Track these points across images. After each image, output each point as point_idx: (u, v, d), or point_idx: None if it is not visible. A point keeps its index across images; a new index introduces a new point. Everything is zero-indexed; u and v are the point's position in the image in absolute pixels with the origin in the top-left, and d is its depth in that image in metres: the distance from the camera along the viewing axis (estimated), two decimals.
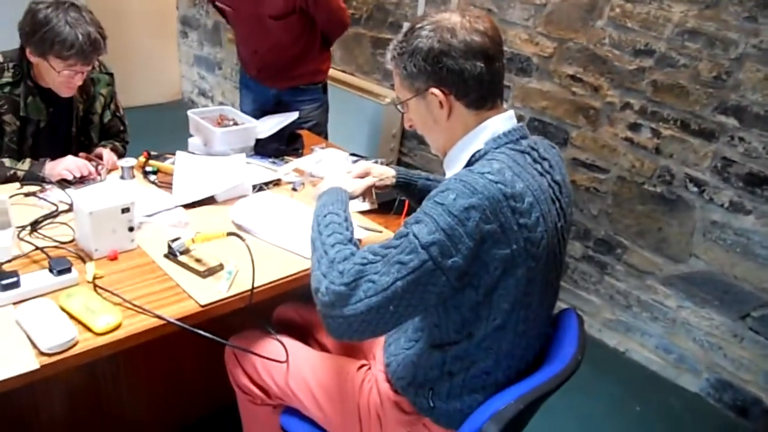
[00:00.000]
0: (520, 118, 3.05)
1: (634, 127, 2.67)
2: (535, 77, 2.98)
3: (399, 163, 3.67)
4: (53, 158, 2.05)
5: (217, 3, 2.74)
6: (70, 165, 1.99)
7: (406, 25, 1.34)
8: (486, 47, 1.27)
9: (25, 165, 2.02)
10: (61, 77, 1.97)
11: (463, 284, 1.19)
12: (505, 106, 1.38)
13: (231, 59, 5.00)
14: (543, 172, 1.31)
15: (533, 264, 1.22)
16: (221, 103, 5.25)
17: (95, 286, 1.50)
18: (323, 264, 1.24)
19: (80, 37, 1.89)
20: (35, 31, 1.90)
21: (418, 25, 1.30)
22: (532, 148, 1.33)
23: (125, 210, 1.61)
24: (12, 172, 2.00)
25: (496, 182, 1.18)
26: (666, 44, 2.49)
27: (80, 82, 2.04)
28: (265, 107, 2.89)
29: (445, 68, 1.27)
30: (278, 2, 2.55)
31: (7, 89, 2.03)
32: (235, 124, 2.30)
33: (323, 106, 3.01)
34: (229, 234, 1.56)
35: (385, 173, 1.73)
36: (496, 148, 1.30)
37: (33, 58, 1.97)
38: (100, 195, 1.63)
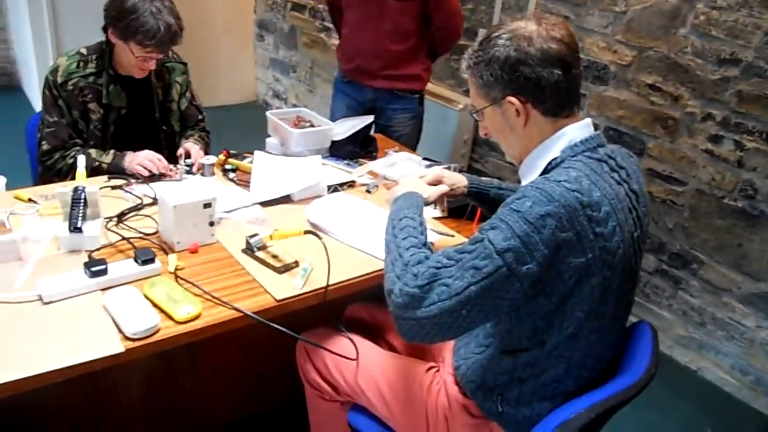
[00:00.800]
0: (595, 127, 3.01)
1: (716, 138, 2.59)
2: (612, 85, 2.93)
3: (470, 169, 3.66)
4: (137, 145, 2.17)
5: None
6: (144, 161, 2.07)
7: (481, 34, 1.36)
8: (563, 54, 1.26)
9: (108, 157, 2.12)
10: (137, 61, 2.09)
11: (536, 291, 1.19)
12: (581, 114, 1.38)
13: (305, 63, 5.10)
14: (620, 181, 1.30)
15: (608, 273, 1.21)
16: (294, 105, 5.36)
17: (177, 276, 1.56)
18: (397, 266, 1.26)
19: (162, 28, 2.01)
20: (121, 17, 2.02)
21: (495, 34, 1.31)
22: (609, 157, 1.31)
23: (207, 205, 1.67)
24: (96, 163, 2.11)
25: (573, 190, 1.17)
26: (754, 53, 2.41)
27: (153, 66, 2.15)
28: (358, 113, 2.87)
29: (522, 76, 1.27)
30: None
31: (91, 79, 2.16)
32: (312, 126, 2.35)
33: (417, 117, 3.00)
34: (306, 232, 1.60)
35: (458, 182, 1.75)
36: (573, 156, 1.29)
37: (114, 40, 2.09)
38: (183, 190, 1.70)
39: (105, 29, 2.11)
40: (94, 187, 1.72)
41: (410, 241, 1.31)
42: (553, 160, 1.32)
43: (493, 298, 1.17)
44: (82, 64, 2.16)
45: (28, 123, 2.50)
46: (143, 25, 1.99)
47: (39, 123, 2.23)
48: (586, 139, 1.31)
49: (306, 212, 1.90)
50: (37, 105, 5.29)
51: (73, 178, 2.12)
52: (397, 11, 2.69)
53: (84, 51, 2.19)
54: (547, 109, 1.31)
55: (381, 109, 2.91)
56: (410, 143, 2.87)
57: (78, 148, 2.17)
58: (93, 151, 2.15)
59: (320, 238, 1.56)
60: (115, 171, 2.09)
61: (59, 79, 2.13)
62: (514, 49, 1.26)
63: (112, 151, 2.15)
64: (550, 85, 1.27)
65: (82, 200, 1.67)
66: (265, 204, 1.96)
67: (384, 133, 2.83)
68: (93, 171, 2.09)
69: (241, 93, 5.76)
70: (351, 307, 1.93)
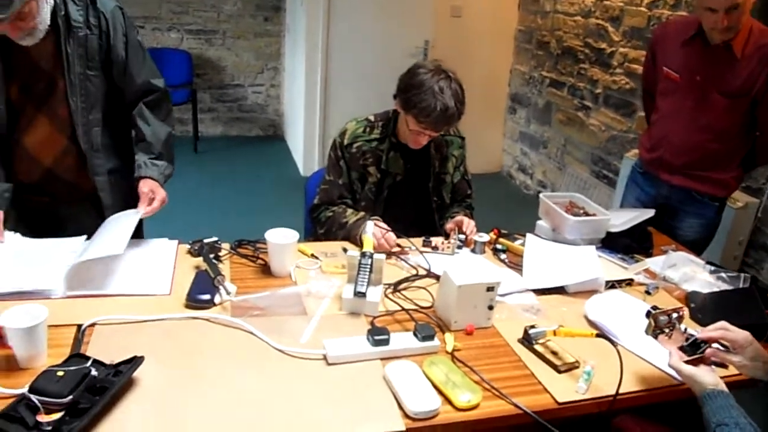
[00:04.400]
0: None
1: None
2: None
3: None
4: (407, 211, 2.24)
5: (665, 68, 2.60)
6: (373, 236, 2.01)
7: None
8: None
9: (356, 216, 2.19)
10: (411, 133, 2.16)
11: None
12: None
13: (558, 140, 5.03)
14: None
15: None
16: (540, 182, 5.29)
17: (454, 357, 1.53)
18: None
19: (438, 108, 2.05)
20: (406, 89, 2.10)
21: None
22: None
23: (490, 288, 1.64)
24: (344, 220, 2.18)
25: None
26: None
27: (425, 141, 2.20)
28: (647, 208, 2.62)
29: None
30: (738, 79, 2.38)
31: (374, 144, 2.27)
32: (585, 213, 2.26)
33: (709, 227, 2.70)
34: (598, 336, 1.50)
35: (739, 340, 1.45)
36: None
37: (398, 108, 2.18)
38: (467, 269, 1.68)
39: (395, 97, 2.21)
40: (382, 255, 1.77)
41: None
42: None
43: None
44: (368, 129, 2.29)
45: (308, 181, 2.68)
46: (421, 102, 2.05)
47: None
48: None
49: (585, 308, 1.79)
50: (297, 156, 5.79)
51: (326, 231, 2.25)
52: (722, 107, 2.43)
53: (372, 118, 2.32)
54: None
55: (673, 209, 2.67)
56: (693, 251, 2.45)
57: (343, 206, 2.27)
58: (349, 211, 2.24)
59: (615, 345, 1.45)
60: (347, 232, 2.15)
61: (345, 141, 2.27)
62: None
63: (362, 213, 2.21)
64: None
65: (369, 266, 1.72)
66: (537, 291, 1.89)
67: (669, 234, 2.54)
68: (339, 227, 2.19)
69: (485, 163, 5.81)
70: (621, 418, 1.77)
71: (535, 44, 5.28)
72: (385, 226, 2.07)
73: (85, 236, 2.01)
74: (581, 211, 2.27)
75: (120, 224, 1.95)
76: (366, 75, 5.30)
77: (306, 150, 5.56)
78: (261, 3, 6.33)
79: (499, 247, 2.14)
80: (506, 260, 2.08)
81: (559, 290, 1.91)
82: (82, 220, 2.08)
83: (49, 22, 1.85)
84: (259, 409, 1.34)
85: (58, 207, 2.12)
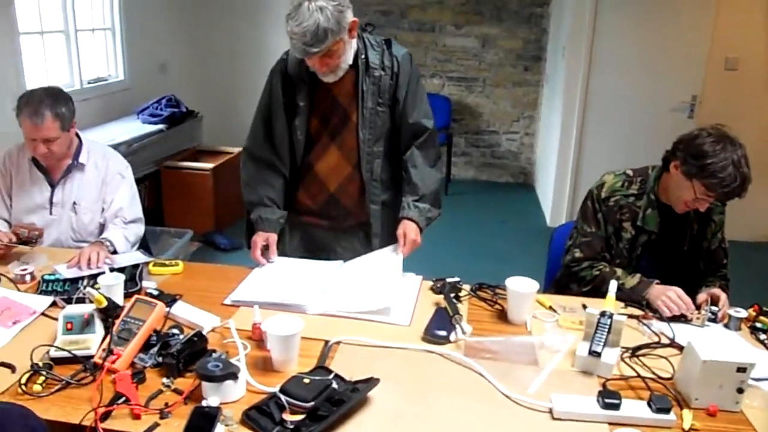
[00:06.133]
0: None
1: None
2: None
3: None
4: (659, 272, 2.12)
5: None
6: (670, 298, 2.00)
7: None
8: None
9: (634, 280, 2.11)
10: (693, 200, 2.05)
11: None
12: None
13: None
14: None
15: None
16: None
17: None
18: None
19: (738, 180, 1.95)
20: (698, 157, 1.99)
21: None
22: None
23: (741, 369, 1.51)
24: (621, 282, 2.08)
25: None
26: None
27: (704, 209, 2.09)
28: None
29: None
30: None
31: (631, 199, 2.21)
32: None
33: None
34: None
35: None
36: None
37: (674, 172, 2.07)
38: (716, 343, 1.58)
39: (667, 159, 2.13)
40: (623, 316, 1.71)
41: None
42: None
43: None
44: (626, 183, 2.23)
45: (555, 232, 2.67)
46: (720, 171, 1.94)
47: (572, 230, 2.36)
48: None
49: None
50: (545, 206, 5.74)
51: (593, 289, 2.19)
52: None
53: (630, 172, 2.26)
54: None
55: None
56: None
57: (605, 263, 2.23)
58: (620, 271, 2.17)
59: None
60: (631, 297, 2.07)
61: (603, 194, 2.24)
62: None
63: (638, 276, 2.13)
64: None
65: (608, 326, 1.68)
66: None
67: None
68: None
69: (754, 230, 5.22)
70: None
71: None
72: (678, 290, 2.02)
73: (341, 261, 2.24)
74: None
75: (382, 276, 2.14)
76: (623, 129, 5.14)
77: (555, 201, 5.50)
78: (522, 53, 6.47)
79: (758, 325, 1.95)
80: (766, 341, 1.89)
81: None
82: (352, 244, 2.31)
83: (350, 62, 2.13)
84: None
85: (335, 231, 2.37)
